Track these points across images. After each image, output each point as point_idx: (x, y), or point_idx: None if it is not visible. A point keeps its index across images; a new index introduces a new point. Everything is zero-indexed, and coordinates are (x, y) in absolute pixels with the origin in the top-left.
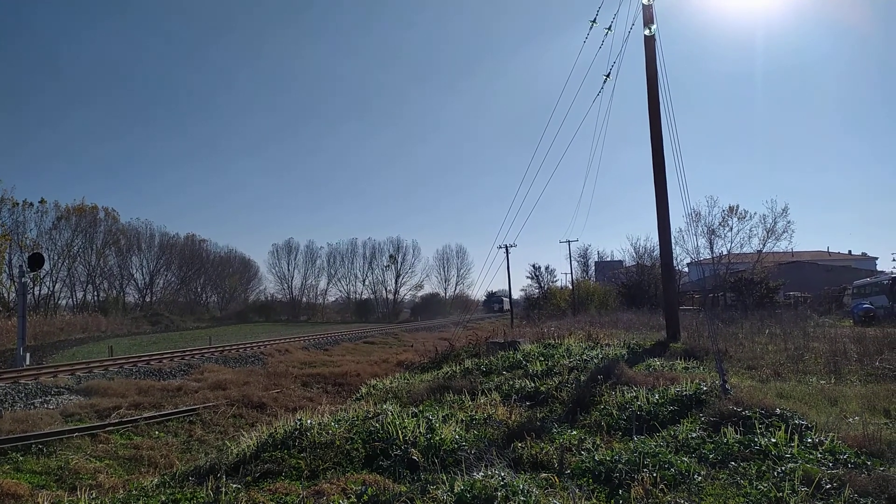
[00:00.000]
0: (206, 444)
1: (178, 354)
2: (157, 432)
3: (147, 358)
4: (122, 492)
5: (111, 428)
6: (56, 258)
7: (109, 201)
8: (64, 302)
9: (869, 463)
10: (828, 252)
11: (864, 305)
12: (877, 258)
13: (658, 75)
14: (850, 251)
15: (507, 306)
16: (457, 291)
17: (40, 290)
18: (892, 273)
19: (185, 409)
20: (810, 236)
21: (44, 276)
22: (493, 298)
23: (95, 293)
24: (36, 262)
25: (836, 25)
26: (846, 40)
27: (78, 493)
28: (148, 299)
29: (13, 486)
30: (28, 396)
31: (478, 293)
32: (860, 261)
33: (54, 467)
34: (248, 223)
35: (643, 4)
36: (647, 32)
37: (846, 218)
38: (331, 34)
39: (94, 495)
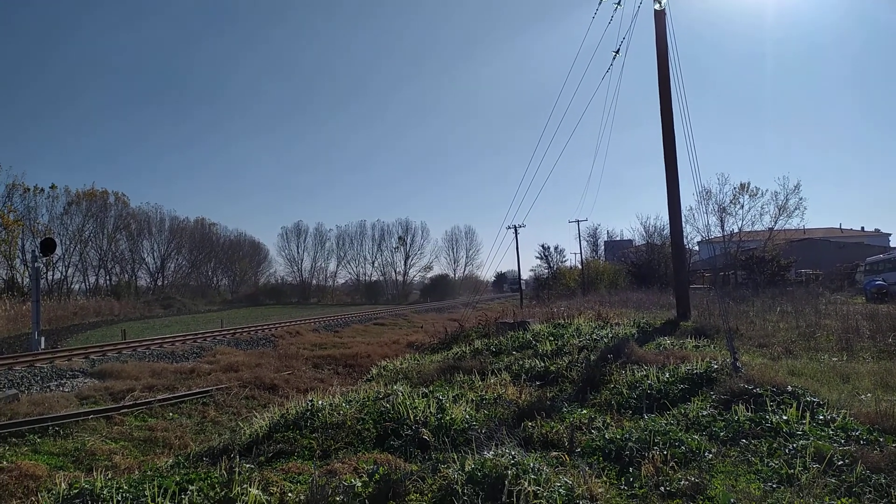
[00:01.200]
0: (220, 426)
1: (191, 337)
2: (170, 414)
3: (160, 341)
4: (137, 472)
5: (126, 410)
6: (68, 243)
7: (119, 186)
8: (77, 286)
9: (881, 439)
10: (840, 229)
11: (877, 282)
12: (889, 234)
13: (668, 51)
14: (862, 227)
15: (516, 286)
16: (466, 272)
17: (53, 275)
18: None
19: (198, 391)
20: (823, 215)
21: (56, 261)
22: (502, 279)
23: (108, 277)
24: (48, 247)
25: (847, 3)
26: (857, 18)
27: (94, 473)
28: (159, 283)
29: (32, 468)
30: (44, 380)
31: (487, 274)
32: (873, 237)
33: (71, 449)
34: (258, 206)
35: None
36: (657, 6)
37: (858, 196)
38: (336, 14)
39: (109, 476)
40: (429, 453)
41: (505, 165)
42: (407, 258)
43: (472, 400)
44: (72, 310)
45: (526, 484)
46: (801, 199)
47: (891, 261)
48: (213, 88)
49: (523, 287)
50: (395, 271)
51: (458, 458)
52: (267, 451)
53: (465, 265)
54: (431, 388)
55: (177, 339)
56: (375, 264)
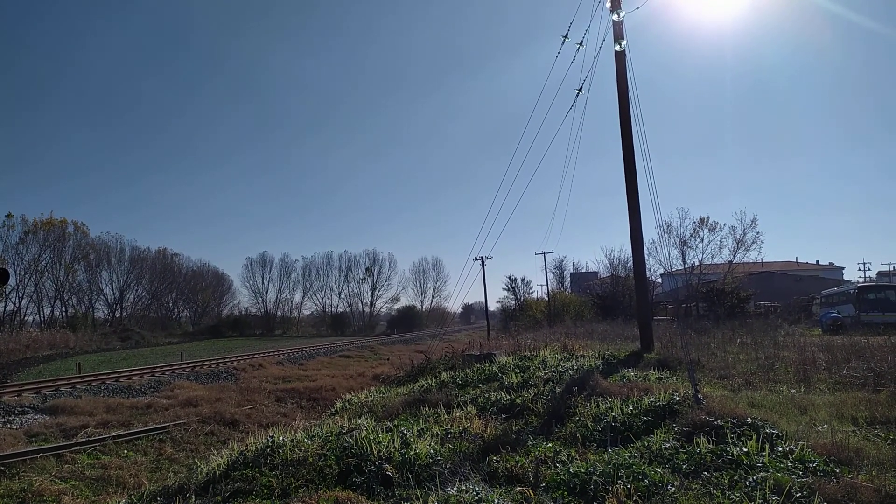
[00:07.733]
0: (177, 463)
1: (149, 371)
2: (125, 451)
3: (116, 375)
4: None
5: (78, 447)
6: (23, 273)
7: (79, 214)
8: (31, 318)
9: (838, 471)
10: (796, 262)
11: (832, 314)
12: (843, 268)
13: (629, 90)
14: (818, 261)
15: (483, 318)
16: (433, 304)
17: (5, 307)
18: (858, 282)
19: (154, 427)
20: (781, 248)
21: (9, 292)
22: (469, 310)
23: (63, 309)
24: (1, 277)
25: (805, 45)
26: (808, 56)
27: None
28: (118, 315)
29: None
30: None
31: (454, 305)
32: (828, 271)
33: (17, 490)
34: (222, 237)
35: (613, 21)
36: (617, 48)
37: (815, 229)
38: (303, 41)
39: None
40: (392, 490)
41: (472, 195)
42: (374, 289)
43: (438, 434)
44: (24, 342)
45: None
46: (757, 233)
47: (845, 293)
48: (178, 115)
49: (490, 318)
50: (362, 302)
51: (421, 494)
52: (224, 490)
53: (433, 296)
54: (396, 422)
55: (134, 372)
56: (342, 295)
